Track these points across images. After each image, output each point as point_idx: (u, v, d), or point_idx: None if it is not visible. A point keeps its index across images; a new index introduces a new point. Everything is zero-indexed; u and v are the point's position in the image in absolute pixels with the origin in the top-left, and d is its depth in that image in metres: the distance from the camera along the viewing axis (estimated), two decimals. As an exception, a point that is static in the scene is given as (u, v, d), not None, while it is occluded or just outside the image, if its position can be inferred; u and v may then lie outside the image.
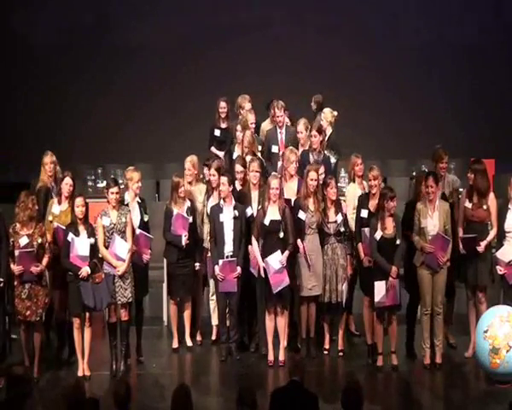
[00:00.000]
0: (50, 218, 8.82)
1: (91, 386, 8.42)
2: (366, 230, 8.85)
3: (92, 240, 8.53)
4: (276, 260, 8.73)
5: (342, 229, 9.00)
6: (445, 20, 14.24)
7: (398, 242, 8.69)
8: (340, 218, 8.99)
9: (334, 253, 9.02)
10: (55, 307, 8.96)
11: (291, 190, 9.27)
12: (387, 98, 14.17)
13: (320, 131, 9.66)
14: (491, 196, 8.96)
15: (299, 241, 8.93)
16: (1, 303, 8.83)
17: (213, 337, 9.59)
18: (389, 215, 8.70)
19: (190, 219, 9.20)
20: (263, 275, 8.78)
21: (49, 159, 9.30)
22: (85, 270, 8.46)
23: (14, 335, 9.25)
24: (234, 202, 9.08)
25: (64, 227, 8.63)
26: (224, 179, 9.02)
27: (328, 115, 10.33)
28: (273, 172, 9.42)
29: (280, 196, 8.90)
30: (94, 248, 8.55)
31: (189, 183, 9.36)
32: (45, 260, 8.53)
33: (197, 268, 9.32)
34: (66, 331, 8.99)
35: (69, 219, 8.77)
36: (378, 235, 8.70)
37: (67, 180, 8.88)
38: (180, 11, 14.29)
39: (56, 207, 8.89)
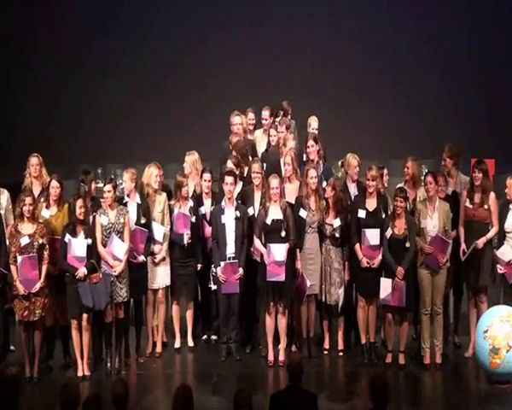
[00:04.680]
0: (41, 220, 8.77)
1: (90, 385, 8.45)
2: (367, 231, 8.85)
3: (89, 241, 8.53)
4: (280, 251, 8.74)
5: (337, 235, 8.97)
6: (448, 20, 14.23)
7: (407, 244, 8.69)
8: (337, 223, 8.96)
9: (329, 255, 9.02)
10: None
11: (292, 191, 9.27)
12: (388, 98, 14.18)
13: (316, 140, 9.58)
14: (492, 195, 8.95)
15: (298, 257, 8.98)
16: (1, 303, 8.85)
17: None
18: (401, 216, 8.70)
19: (193, 219, 9.20)
20: (265, 260, 8.76)
21: (35, 160, 9.24)
22: (82, 271, 8.46)
23: (12, 346, 9.28)
24: (236, 203, 9.09)
25: (58, 237, 8.66)
26: (228, 179, 9.02)
27: (315, 124, 10.37)
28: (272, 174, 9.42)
29: (281, 196, 8.91)
30: (91, 249, 8.55)
31: (155, 190, 9.13)
32: (44, 269, 8.53)
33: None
34: (61, 335, 8.99)
35: (59, 223, 8.78)
36: (388, 233, 8.73)
37: (54, 183, 8.82)
38: (180, 10, 14.29)
39: (45, 212, 8.84)
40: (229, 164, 9.37)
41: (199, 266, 9.28)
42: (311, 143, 9.53)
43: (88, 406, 5.95)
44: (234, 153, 9.69)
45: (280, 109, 10.58)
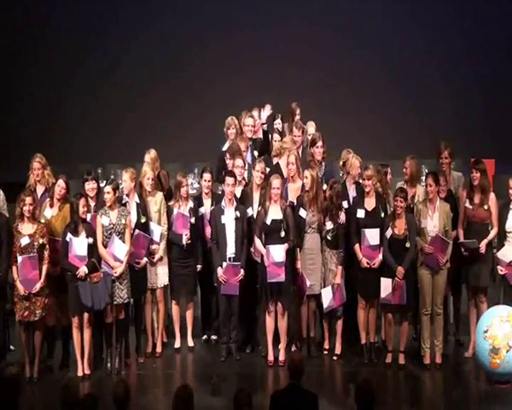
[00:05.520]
0: (42, 220, 8.78)
1: (90, 385, 8.46)
2: (367, 231, 8.85)
3: (91, 240, 8.54)
4: (279, 252, 8.73)
5: (329, 237, 8.94)
6: (447, 20, 14.23)
7: (407, 244, 8.70)
8: (328, 225, 8.95)
9: (324, 255, 9.02)
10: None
11: (295, 191, 9.28)
12: (387, 98, 14.17)
13: (324, 141, 9.59)
14: (492, 195, 8.95)
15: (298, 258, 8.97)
16: (1, 303, 8.85)
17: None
18: (401, 216, 8.71)
19: (192, 220, 9.20)
20: (265, 261, 8.76)
21: (36, 165, 9.22)
22: (83, 270, 8.46)
23: (12, 346, 9.30)
24: (235, 204, 9.09)
25: (57, 239, 8.68)
26: (229, 180, 9.03)
27: (312, 129, 10.35)
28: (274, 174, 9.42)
29: (281, 196, 8.91)
30: (92, 248, 8.55)
31: (149, 192, 9.14)
32: (45, 268, 8.53)
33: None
34: (62, 335, 8.98)
35: (58, 224, 8.78)
36: (388, 233, 8.73)
37: (60, 182, 8.84)
38: (180, 12, 14.30)
39: (48, 211, 8.85)
40: (239, 162, 9.37)
41: (198, 266, 9.28)
42: (320, 143, 9.53)
43: (85, 406, 5.95)
44: (228, 155, 9.69)
45: (290, 113, 10.54)
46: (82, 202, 8.51)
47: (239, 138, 9.92)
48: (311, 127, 10.47)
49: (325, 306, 8.97)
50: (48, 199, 8.97)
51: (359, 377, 6.44)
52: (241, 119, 10.20)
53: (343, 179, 9.44)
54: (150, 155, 9.59)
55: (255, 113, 10.36)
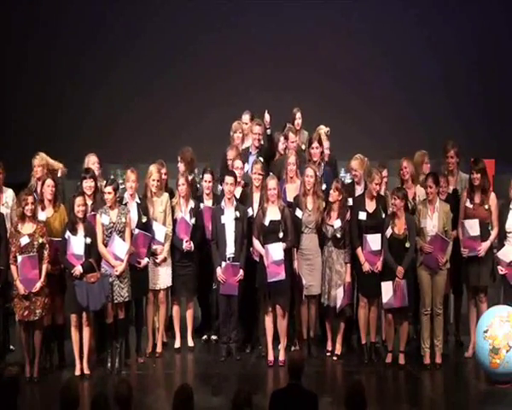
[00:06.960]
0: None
1: (90, 385, 8.45)
2: (368, 236, 8.83)
3: (88, 240, 8.53)
4: (277, 250, 8.72)
5: (338, 235, 8.92)
6: (447, 19, 14.22)
7: (407, 244, 8.70)
8: (337, 223, 8.93)
9: (330, 256, 9.00)
10: None
11: (292, 191, 9.28)
12: (387, 98, 14.16)
13: (321, 142, 9.57)
14: (493, 195, 8.96)
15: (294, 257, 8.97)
16: (1, 302, 8.84)
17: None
18: (401, 216, 8.70)
19: (193, 221, 9.19)
20: (265, 261, 8.75)
21: (36, 162, 9.19)
22: (78, 269, 8.45)
23: (12, 346, 9.29)
24: (235, 203, 9.09)
25: (56, 239, 8.67)
26: (228, 179, 9.02)
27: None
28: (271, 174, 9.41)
29: (279, 197, 8.90)
30: (90, 248, 8.54)
31: (154, 193, 9.15)
32: (45, 268, 8.52)
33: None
34: (56, 336, 8.97)
35: (58, 223, 8.77)
36: (388, 233, 8.74)
37: (49, 182, 8.80)
38: (180, 11, 14.29)
39: (41, 214, 8.77)
40: (238, 163, 9.37)
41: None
42: (315, 144, 9.52)
43: (96, 404, 5.96)
44: (179, 159, 9.65)
45: (292, 119, 10.53)
46: (78, 201, 8.49)
47: (229, 147, 9.87)
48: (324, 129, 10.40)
49: (338, 306, 8.95)
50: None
51: (349, 382, 6.42)
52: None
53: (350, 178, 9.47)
54: (91, 158, 9.45)
55: (246, 116, 10.29)
